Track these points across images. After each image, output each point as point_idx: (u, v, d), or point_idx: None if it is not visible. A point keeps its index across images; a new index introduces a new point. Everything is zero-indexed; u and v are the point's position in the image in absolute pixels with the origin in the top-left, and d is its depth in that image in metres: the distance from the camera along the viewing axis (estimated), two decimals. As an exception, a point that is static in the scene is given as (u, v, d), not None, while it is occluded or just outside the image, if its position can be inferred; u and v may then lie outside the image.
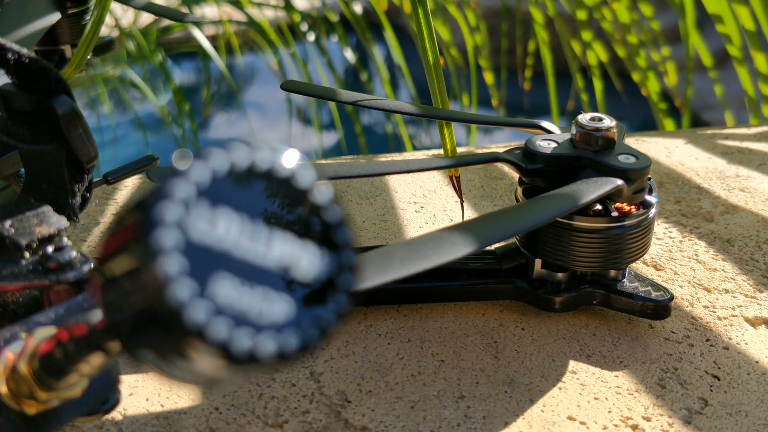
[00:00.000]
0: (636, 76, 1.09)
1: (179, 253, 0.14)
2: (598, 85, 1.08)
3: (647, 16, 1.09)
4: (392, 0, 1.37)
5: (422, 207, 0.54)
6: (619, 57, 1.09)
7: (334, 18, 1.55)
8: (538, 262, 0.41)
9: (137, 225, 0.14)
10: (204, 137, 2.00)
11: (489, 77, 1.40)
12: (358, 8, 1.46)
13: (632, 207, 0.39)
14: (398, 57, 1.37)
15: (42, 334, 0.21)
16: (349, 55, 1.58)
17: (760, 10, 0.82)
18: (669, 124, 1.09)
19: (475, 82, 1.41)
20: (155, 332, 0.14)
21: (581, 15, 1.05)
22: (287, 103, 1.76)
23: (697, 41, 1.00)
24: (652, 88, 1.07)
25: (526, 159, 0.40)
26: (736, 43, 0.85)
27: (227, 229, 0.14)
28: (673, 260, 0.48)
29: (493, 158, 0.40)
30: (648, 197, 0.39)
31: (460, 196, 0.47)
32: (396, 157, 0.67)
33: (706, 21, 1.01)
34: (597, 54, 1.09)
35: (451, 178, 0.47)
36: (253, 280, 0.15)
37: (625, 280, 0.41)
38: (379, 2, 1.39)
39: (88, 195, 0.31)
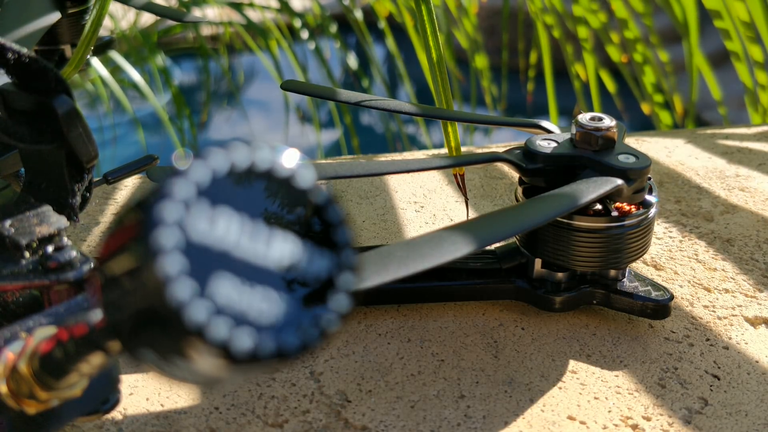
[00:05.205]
0: (646, 108, 1.10)
1: (179, 252, 0.14)
2: (593, 84, 1.09)
3: (654, 43, 1.10)
4: (392, 2, 1.37)
5: (422, 207, 0.54)
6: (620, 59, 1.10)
7: (333, 29, 1.55)
8: (538, 262, 0.41)
9: (137, 225, 0.14)
10: (204, 137, 2.00)
11: (489, 98, 1.41)
12: (358, 13, 1.46)
13: (632, 207, 0.39)
14: (397, 56, 1.37)
15: (42, 334, 0.21)
16: (351, 59, 1.58)
17: (756, 5, 0.82)
18: (665, 116, 1.09)
19: (473, 82, 1.41)
20: (155, 332, 0.14)
21: (583, 33, 1.05)
22: (287, 102, 1.76)
23: (701, 62, 1.00)
24: (647, 80, 1.07)
25: (526, 159, 0.40)
26: (734, 38, 0.86)
27: (227, 229, 0.14)
28: (673, 260, 0.48)
29: (493, 158, 0.40)
30: (648, 197, 0.39)
31: (464, 193, 0.47)
32: (396, 157, 0.67)
33: (704, 19, 1.01)
34: (596, 57, 1.09)
35: (455, 176, 0.47)
36: (253, 280, 0.15)
37: (625, 279, 0.41)
38: (382, 4, 1.39)
39: (88, 195, 0.31)
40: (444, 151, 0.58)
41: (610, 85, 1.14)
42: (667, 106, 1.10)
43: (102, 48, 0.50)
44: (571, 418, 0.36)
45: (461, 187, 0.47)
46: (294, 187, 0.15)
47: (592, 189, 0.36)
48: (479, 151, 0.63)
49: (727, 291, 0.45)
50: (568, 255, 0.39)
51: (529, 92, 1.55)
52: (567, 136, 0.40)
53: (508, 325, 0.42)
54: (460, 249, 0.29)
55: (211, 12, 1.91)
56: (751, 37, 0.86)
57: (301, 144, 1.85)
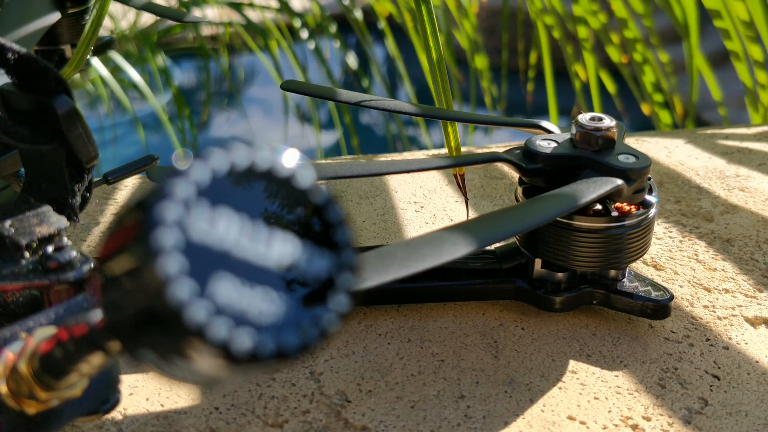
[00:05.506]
0: (646, 108, 1.10)
1: (179, 252, 0.14)
2: (593, 84, 1.09)
3: (654, 44, 1.10)
4: (392, 2, 1.37)
5: (422, 207, 0.54)
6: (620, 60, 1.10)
7: (332, 28, 1.55)
8: (538, 262, 0.41)
9: (137, 225, 0.14)
10: (204, 137, 2.00)
11: (489, 99, 1.41)
12: (358, 13, 1.46)
13: (632, 207, 0.39)
14: (397, 56, 1.37)
15: (42, 334, 0.21)
16: (350, 59, 1.58)
17: (756, 4, 0.82)
18: (665, 116, 1.09)
19: (473, 82, 1.41)
20: (155, 332, 0.14)
21: (583, 33, 1.05)
22: (287, 103, 1.76)
23: (701, 62, 1.01)
24: (647, 80, 1.07)
25: (526, 159, 0.40)
26: (734, 38, 0.86)
27: (227, 229, 0.14)
28: (673, 260, 0.48)
29: (493, 158, 0.40)
30: (648, 197, 0.39)
31: (464, 193, 0.47)
32: (396, 157, 0.67)
33: (704, 19, 1.01)
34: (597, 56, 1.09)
35: (455, 176, 0.47)
36: (253, 280, 0.15)
37: (625, 279, 0.41)
38: (382, 4, 1.39)
39: (88, 195, 0.31)
40: (444, 151, 0.58)
41: (610, 86, 1.14)
42: (667, 105, 1.10)
43: (102, 48, 0.51)
44: (571, 418, 0.36)
45: (461, 187, 0.47)
46: (294, 187, 0.15)
47: (592, 189, 0.36)
48: (479, 151, 0.63)
49: (727, 291, 0.45)
50: (568, 255, 0.39)
51: (529, 92, 1.56)
52: (567, 136, 0.40)
53: (508, 325, 0.42)
54: (460, 249, 0.29)
55: (211, 12, 1.91)
56: (751, 36, 0.86)
57: (301, 144, 1.85)
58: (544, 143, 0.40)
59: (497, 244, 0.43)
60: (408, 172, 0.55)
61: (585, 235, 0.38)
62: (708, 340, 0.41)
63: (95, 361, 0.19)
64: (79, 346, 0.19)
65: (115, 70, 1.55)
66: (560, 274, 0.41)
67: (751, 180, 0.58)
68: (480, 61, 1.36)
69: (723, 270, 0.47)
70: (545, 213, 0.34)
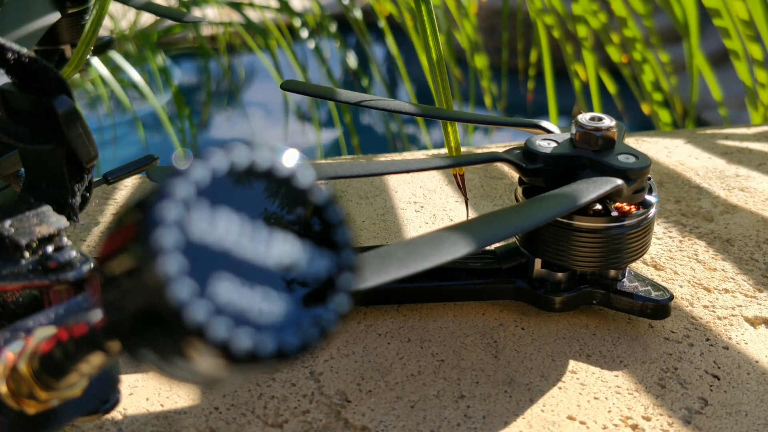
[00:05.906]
0: (646, 108, 1.10)
1: (179, 252, 0.14)
2: (593, 84, 1.09)
3: (654, 44, 1.10)
4: (392, 2, 1.37)
5: (422, 207, 0.54)
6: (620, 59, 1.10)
7: (332, 28, 1.55)
8: (538, 262, 0.41)
9: (137, 225, 0.14)
10: (204, 137, 2.00)
11: (489, 98, 1.41)
12: (358, 13, 1.46)
13: (632, 207, 0.39)
14: (397, 56, 1.37)
15: (42, 334, 0.21)
16: (350, 59, 1.58)
17: (756, 3, 0.82)
18: (665, 115, 1.09)
19: (472, 82, 1.41)
20: (155, 332, 0.14)
21: (582, 32, 1.05)
22: (287, 102, 1.76)
23: (701, 62, 1.01)
24: (647, 79, 1.07)
25: (526, 159, 0.40)
26: (734, 37, 0.86)
27: (227, 229, 0.14)
28: (673, 260, 0.48)
29: (493, 158, 0.40)
30: (648, 197, 0.39)
31: (464, 193, 0.47)
32: (396, 157, 0.67)
33: (704, 18, 1.01)
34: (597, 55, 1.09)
35: (455, 176, 0.47)
36: (253, 280, 0.15)
37: (624, 279, 0.41)
38: (382, 4, 1.39)
39: (88, 195, 0.31)
40: (444, 151, 0.58)
41: (610, 86, 1.14)
42: (667, 104, 1.10)
43: (102, 48, 0.51)
44: (571, 418, 0.36)
45: (461, 187, 0.47)
46: (294, 187, 0.15)
47: (592, 189, 0.36)
48: (479, 151, 0.63)
49: (727, 291, 0.45)
50: (568, 255, 0.39)
51: (529, 92, 1.56)
52: (567, 136, 0.40)
53: (508, 325, 0.42)
54: (460, 249, 0.29)
55: (211, 12, 1.91)
56: (751, 35, 0.86)
57: (301, 144, 1.85)
58: (544, 143, 0.40)
59: (497, 244, 0.43)
60: (408, 172, 0.55)
61: (585, 235, 0.38)
62: (708, 340, 0.41)
63: (95, 361, 0.19)
64: (79, 346, 0.19)
65: (115, 70, 1.55)
66: (560, 274, 0.41)
67: (751, 180, 0.58)
68: (480, 61, 1.36)
69: (723, 270, 0.47)
70: (545, 213, 0.34)
